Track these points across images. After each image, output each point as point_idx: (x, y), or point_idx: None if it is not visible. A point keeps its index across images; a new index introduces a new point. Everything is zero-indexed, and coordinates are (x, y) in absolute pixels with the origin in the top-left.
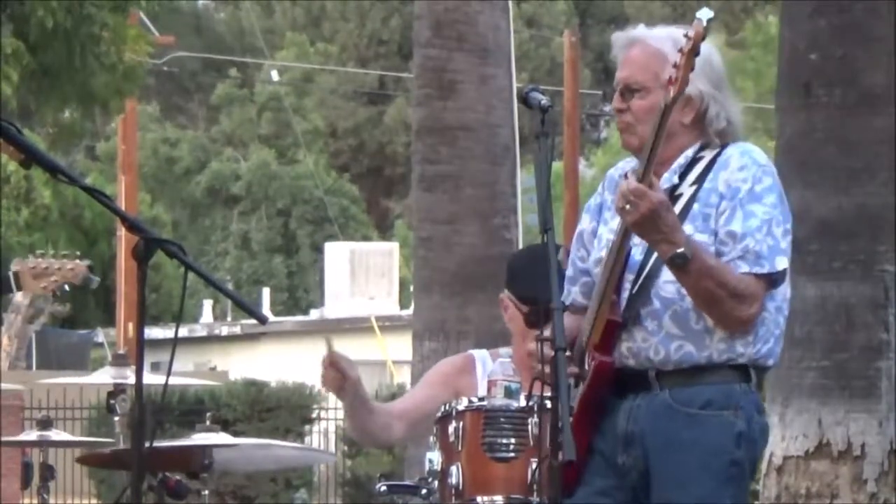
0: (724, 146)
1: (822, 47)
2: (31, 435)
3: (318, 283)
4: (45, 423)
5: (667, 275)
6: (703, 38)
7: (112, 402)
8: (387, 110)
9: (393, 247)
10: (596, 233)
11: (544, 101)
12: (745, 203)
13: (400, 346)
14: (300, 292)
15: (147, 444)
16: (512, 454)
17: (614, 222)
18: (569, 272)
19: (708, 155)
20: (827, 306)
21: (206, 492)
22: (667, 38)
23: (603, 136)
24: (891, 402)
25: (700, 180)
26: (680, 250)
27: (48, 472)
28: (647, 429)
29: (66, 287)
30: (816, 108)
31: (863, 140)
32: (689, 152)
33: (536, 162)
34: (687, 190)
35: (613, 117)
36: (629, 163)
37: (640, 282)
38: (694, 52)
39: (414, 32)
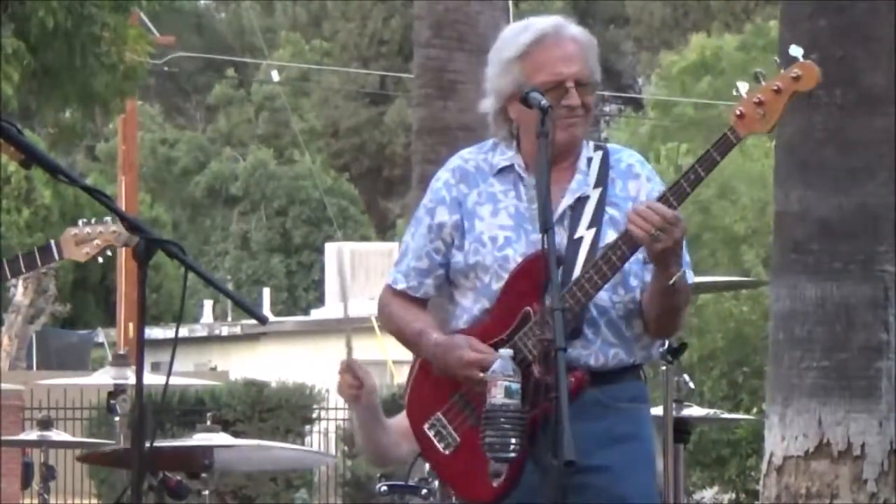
0: (600, 146)
1: (822, 47)
2: (32, 435)
3: (316, 284)
4: (46, 424)
5: None
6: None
7: (112, 402)
8: (387, 111)
9: (393, 247)
10: (461, 228)
11: (544, 101)
12: None
13: (400, 346)
14: (300, 292)
15: (147, 445)
16: (512, 454)
17: (499, 218)
18: (421, 264)
19: (595, 155)
20: (827, 306)
21: (207, 492)
22: (581, 31)
23: (603, 136)
24: (891, 402)
25: (602, 183)
26: (683, 270)
27: (48, 472)
28: (583, 427)
29: (109, 252)
30: (816, 108)
31: (863, 140)
32: (585, 151)
33: (536, 162)
34: (592, 193)
35: (613, 117)
36: (478, 153)
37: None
38: (797, 95)
39: (414, 32)
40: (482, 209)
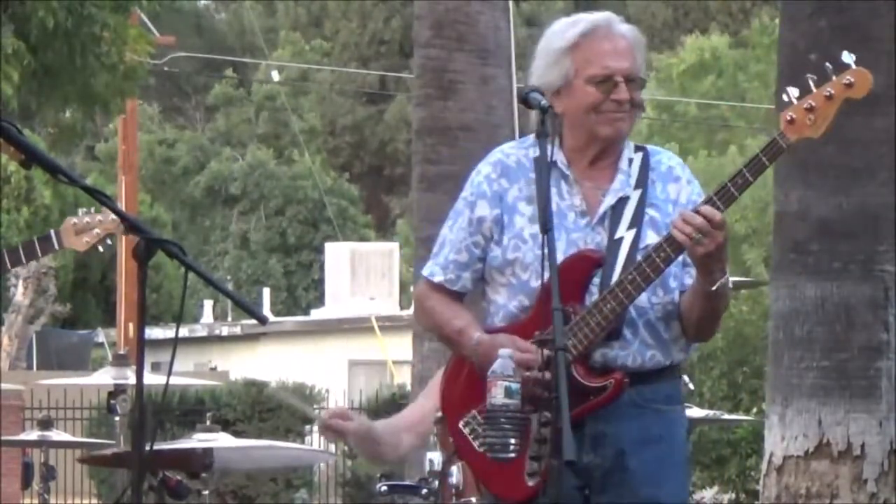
0: (640, 147)
1: (822, 47)
2: (32, 435)
3: (316, 283)
4: (46, 424)
5: None
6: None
7: (112, 402)
8: (388, 109)
9: (393, 247)
10: (501, 222)
11: (544, 101)
12: None
13: (400, 346)
14: (299, 292)
15: (147, 445)
16: (512, 454)
17: (535, 213)
18: (460, 257)
19: (636, 156)
20: (827, 306)
21: (207, 492)
22: (630, 28)
23: None
24: (891, 402)
25: (642, 184)
26: (727, 276)
27: (48, 472)
28: (619, 427)
29: (109, 241)
30: None
31: (863, 140)
32: (626, 151)
33: (536, 162)
34: (633, 193)
35: None
36: (519, 148)
37: None
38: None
39: (414, 32)
40: (521, 204)
